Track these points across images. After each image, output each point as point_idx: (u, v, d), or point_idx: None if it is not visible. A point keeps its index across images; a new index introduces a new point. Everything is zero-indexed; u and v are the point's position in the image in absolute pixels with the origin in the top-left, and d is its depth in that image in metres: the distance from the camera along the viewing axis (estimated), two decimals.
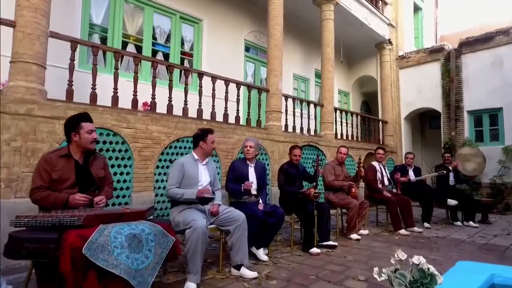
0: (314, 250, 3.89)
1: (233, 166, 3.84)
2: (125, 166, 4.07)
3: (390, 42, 10.29)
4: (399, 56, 10.38)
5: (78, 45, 4.06)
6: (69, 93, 3.81)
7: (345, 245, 4.36)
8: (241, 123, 5.73)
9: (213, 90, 5.34)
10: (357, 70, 11.75)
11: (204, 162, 3.25)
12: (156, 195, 4.31)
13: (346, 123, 8.54)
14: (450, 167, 6.35)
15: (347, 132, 8.43)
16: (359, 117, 9.22)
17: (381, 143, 9.77)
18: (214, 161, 4.97)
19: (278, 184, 4.37)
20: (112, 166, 3.96)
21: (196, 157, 3.21)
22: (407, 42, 10.99)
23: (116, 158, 4.00)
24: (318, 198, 4.28)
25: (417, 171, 6.34)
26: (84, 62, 5.43)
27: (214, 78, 5.39)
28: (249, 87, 6.04)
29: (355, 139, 8.65)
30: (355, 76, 11.84)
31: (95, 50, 4.07)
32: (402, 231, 5.11)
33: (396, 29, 10.57)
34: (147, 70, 5.99)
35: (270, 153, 5.94)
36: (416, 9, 12.11)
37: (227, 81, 5.57)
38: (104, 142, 3.89)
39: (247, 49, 8.24)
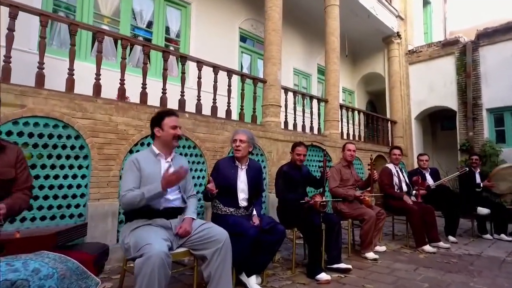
0: (323, 276, 2.98)
1: (216, 166, 2.92)
2: (79, 167, 3.18)
3: (399, 35, 9.47)
4: (409, 50, 9.54)
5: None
6: (6, 71, 2.94)
7: (360, 267, 3.46)
8: (233, 118, 4.86)
9: (199, 77, 4.48)
10: (363, 67, 10.91)
11: (168, 159, 2.36)
12: None
13: (353, 122, 7.66)
14: (475, 172, 5.45)
15: (353, 132, 7.55)
16: (366, 116, 8.34)
17: (390, 145, 8.88)
18: (199, 162, 4.09)
19: (276, 191, 3.47)
20: (62, 167, 3.07)
21: (157, 151, 2.32)
22: (417, 36, 10.17)
23: (68, 157, 3.12)
24: (326, 208, 3.40)
25: (435, 174, 5.42)
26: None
27: (200, 63, 4.52)
28: (243, 76, 5.17)
29: (362, 140, 7.77)
30: (360, 73, 10.99)
31: (44, 20, 3.20)
32: (427, 248, 4.19)
33: (405, 22, 9.75)
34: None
35: (267, 153, 5.05)
36: (425, 3, 11.32)
37: (216, 68, 4.71)
38: (50, 136, 3.01)
39: (242, 39, 7.40)
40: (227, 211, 2.76)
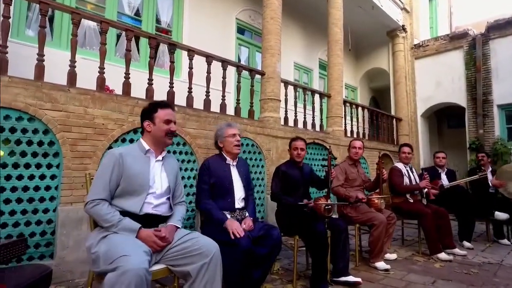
0: None
1: (207, 167, 2.50)
2: (48, 166, 2.77)
3: (404, 29, 9.05)
4: (415, 45, 9.12)
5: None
6: None
7: (370, 279, 3.04)
8: (227, 112, 4.44)
9: (190, 67, 4.06)
10: (366, 62, 10.48)
11: (159, 157, 1.98)
12: None
13: (357, 119, 7.24)
14: (487, 171, 5.02)
15: (357, 129, 7.14)
16: (371, 113, 7.91)
17: (395, 143, 8.47)
18: (189, 161, 3.67)
19: (272, 193, 3.05)
20: (27, 166, 2.66)
21: (147, 147, 1.94)
22: (422, 30, 9.75)
23: (34, 155, 2.70)
24: (331, 213, 2.98)
25: (451, 175, 5.01)
26: (20, 32, 4.15)
27: (191, 52, 4.10)
28: (239, 67, 4.74)
29: (366, 137, 7.35)
30: (364, 69, 10.57)
31: None
32: (442, 256, 3.77)
33: (410, 15, 9.33)
34: (112, 47, 4.69)
35: (265, 151, 4.64)
36: None
37: (209, 58, 4.29)
38: (13, 131, 2.59)
39: (240, 31, 6.97)
40: (224, 213, 2.35)
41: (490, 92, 7.68)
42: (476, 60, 7.85)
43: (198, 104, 4.07)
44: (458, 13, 12.78)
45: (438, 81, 8.64)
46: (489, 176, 5.07)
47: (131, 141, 3.27)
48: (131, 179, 1.80)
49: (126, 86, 3.44)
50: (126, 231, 1.68)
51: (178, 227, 1.92)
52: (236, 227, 2.20)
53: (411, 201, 4.13)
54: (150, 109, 1.96)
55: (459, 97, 8.21)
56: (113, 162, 1.79)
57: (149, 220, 1.83)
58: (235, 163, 2.58)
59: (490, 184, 4.93)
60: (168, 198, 1.98)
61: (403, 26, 9.01)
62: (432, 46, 8.82)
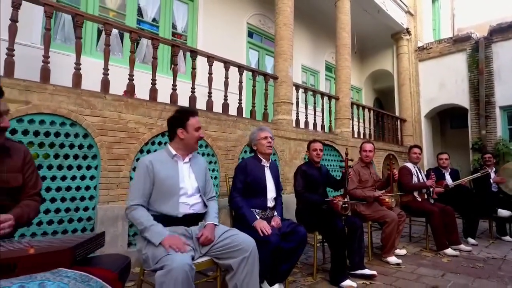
0: (348, 283, 2.81)
1: (244, 167, 2.67)
2: (88, 167, 2.99)
3: (408, 31, 9.26)
4: (419, 47, 9.33)
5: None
6: (8, 65, 2.74)
7: (384, 272, 3.27)
8: (244, 115, 4.66)
9: (210, 73, 4.28)
10: (370, 64, 10.70)
11: (186, 159, 2.15)
12: None
13: (363, 120, 7.46)
14: (490, 171, 5.25)
15: (364, 130, 7.36)
16: (376, 114, 8.13)
17: (400, 143, 8.70)
18: (211, 162, 3.90)
19: (296, 191, 3.27)
20: (70, 168, 2.88)
21: (174, 152, 2.10)
22: (426, 33, 9.96)
23: (76, 157, 2.92)
24: (348, 211, 3.21)
25: (455, 175, 5.24)
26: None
27: (211, 58, 4.32)
28: (254, 72, 4.96)
29: (372, 138, 7.57)
30: (368, 70, 10.78)
31: (48, 10, 2.99)
32: (449, 251, 4.01)
33: (414, 18, 9.53)
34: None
35: (279, 152, 4.86)
36: None
37: (227, 64, 4.50)
38: (57, 135, 2.82)
39: (250, 34, 7.18)
40: (254, 213, 2.57)
41: (492, 94, 7.90)
42: (479, 63, 8.07)
43: (215, 108, 4.28)
44: (460, 15, 12.98)
45: (441, 83, 8.86)
46: (492, 175, 5.29)
47: (160, 143, 3.49)
48: (161, 183, 1.96)
49: (153, 92, 3.66)
50: (154, 237, 1.78)
51: (216, 224, 2.12)
52: (264, 226, 2.38)
53: (419, 199, 4.36)
54: (182, 117, 2.10)
55: (462, 98, 8.43)
56: (144, 170, 1.95)
57: (190, 220, 2.03)
58: (268, 164, 2.78)
59: (492, 181, 5.16)
60: (201, 196, 2.13)
61: (407, 29, 9.22)
62: (435, 48, 9.04)
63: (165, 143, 3.53)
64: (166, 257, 1.66)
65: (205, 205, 2.16)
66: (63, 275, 1.10)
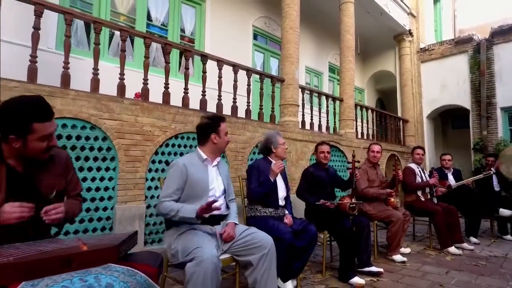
0: (357, 280, 2.93)
1: (257, 167, 2.83)
2: (107, 169, 3.12)
3: (410, 33, 9.37)
4: (421, 48, 9.45)
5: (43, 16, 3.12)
6: (32, 71, 2.86)
7: (390, 270, 3.40)
8: (252, 117, 4.78)
9: (219, 76, 4.40)
10: (373, 65, 10.81)
11: (214, 163, 2.29)
12: (149, 206, 3.35)
13: (367, 121, 7.59)
14: (492, 169, 5.38)
15: (367, 131, 7.48)
16: (379, 114, 8.25)
17: (402, 144, 8.82)
18: None
19: (296, 192, 3.44)
20: (90, 169, 3.01)
21: (204, 156, 2.24)
22: (428, 34, 10.08)
23: (95, 159, 3.05)
24: (355, 211, 3.34)
25: (457, 175, 5.37)
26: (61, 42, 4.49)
27: (220, 62, 4.44)
28: (262, 75, 5.08)
29: (375, 138, 7.69)
30: (371, 71, 10.89)
31: (68, 18, 3.11)
32: (452, 250, 4.13)
33: (416, 20, 9.65)
34: (140, 56, 5.03)
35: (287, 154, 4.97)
36: (436, 0, 11.20)
37: (235, 67, 4.63)
38: (78, 138, 2.94)
39: (255, 37, 7.30)
40: (267, 211, 2.71)
41: (493, 95, 8.02)
42: (480, 64, 8.18)
43: (224, 110, 4.40)
44: (461, 16, 13.09)
45: (443, 84, 8.98)
46: (494, 178, 5.41)
47: (173, 145, 3.61)
48: (194, 184, 2.10)
49: (166, 95, 3.78)
50: (187, 215, 1.93)
51: (237, 224, 2.26)
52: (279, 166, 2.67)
53: (423, 199, 4.48)
54: (214, 123, 2.26)
55: (464, 99, 8.55)
56: (179, 172, 2.09)
57: (213, 220, 2.15)
58: None
59: (494, 170, 5.30)
60: (225, 198, 2.30)
61: (409, 30, 9.33)
62: (437, 50, 9.16)
63: (178, 146, 3.66)
64: (196, 250, 1.80)
65: (228, 207, 2.30)
66: (113, 270, 1.22)
